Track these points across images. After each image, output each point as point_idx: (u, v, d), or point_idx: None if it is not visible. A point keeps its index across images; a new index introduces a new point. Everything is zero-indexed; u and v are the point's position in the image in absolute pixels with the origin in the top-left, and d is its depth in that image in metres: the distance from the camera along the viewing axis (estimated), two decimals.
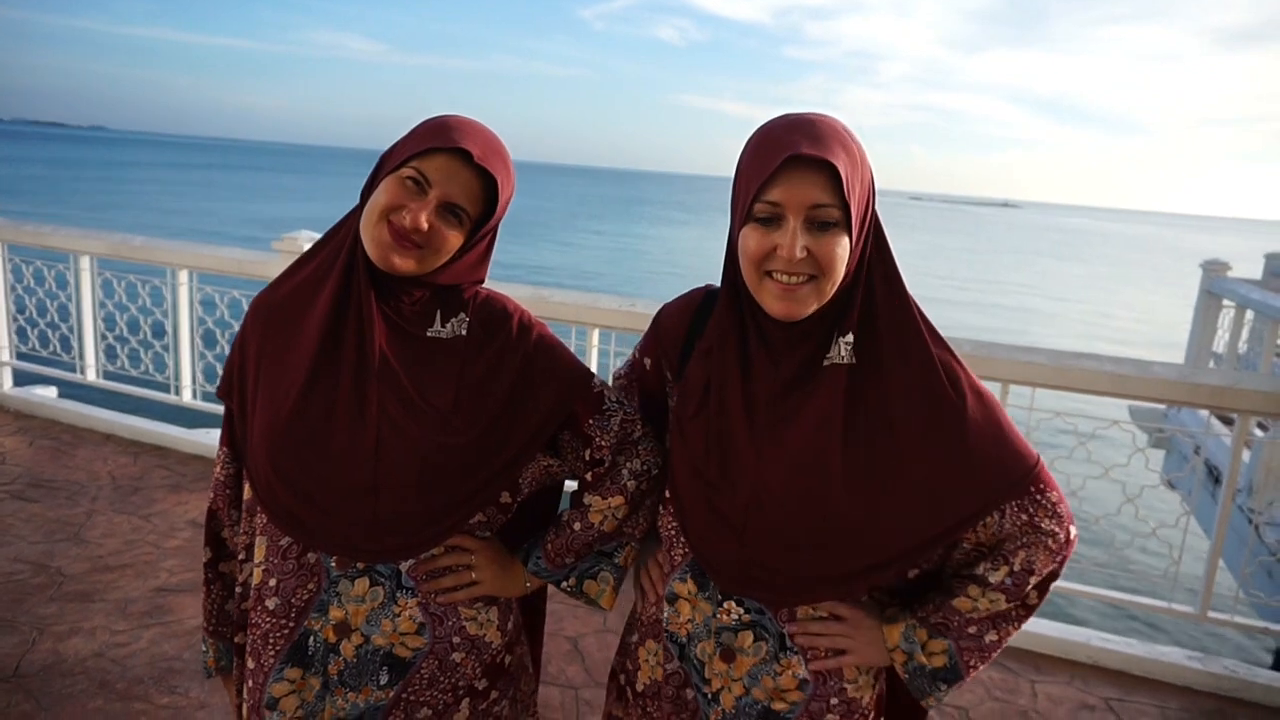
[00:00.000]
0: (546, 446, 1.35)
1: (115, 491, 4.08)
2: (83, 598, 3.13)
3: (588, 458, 1.37)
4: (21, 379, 5.32)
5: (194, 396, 4.92)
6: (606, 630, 3.19)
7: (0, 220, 5.15)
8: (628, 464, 1.37)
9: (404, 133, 1.26)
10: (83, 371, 5.13)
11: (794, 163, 1.07)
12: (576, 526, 1.39)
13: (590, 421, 1.34)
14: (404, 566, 1.26)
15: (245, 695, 1.32)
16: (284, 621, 1.24)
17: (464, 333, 1.29)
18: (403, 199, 1.19)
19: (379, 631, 1.26)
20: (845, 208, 1.08)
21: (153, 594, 3.19)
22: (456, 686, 1.31)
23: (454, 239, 1.22)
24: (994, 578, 1.19)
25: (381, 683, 1.26)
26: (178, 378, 4.89)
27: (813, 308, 1.12)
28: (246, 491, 1.32)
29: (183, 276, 4.78)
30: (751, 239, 1.11)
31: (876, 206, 1.16)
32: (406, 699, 1.28)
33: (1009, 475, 1.15)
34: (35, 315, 5.24)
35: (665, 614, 1.29)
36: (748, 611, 1.22)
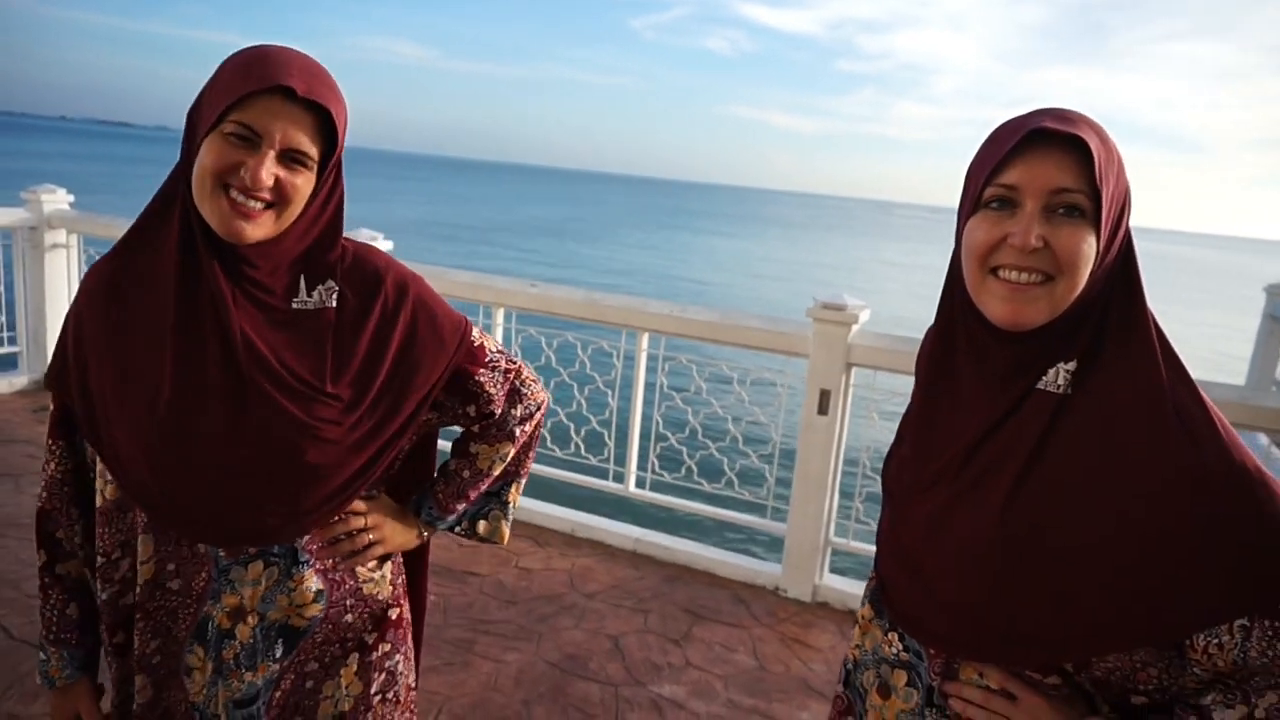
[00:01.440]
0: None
1: None
2: None
3: (473, 412, 1.36)
4: None
5: None
6: (647, 630, 3.23)
7: (75, 213, 5.36)
8: (512, 410, 1.39)
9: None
10: None
11: (1036, 142, 0.93)
12: (466, 474, 1.42)
13: (479, 375, 1.34)
14: (299, 542, 1.23)
15: (125, 686, 1.27)
16: (188, 601, 1.21)
17: (333, 303, 1.18)
18: (234, 157, 1.05)
19: (274, 607, 1.22)
20: (1095, 196, 0.91)
21: None
22: (345, 640, 1.29)
23: (305, 186, 1.10)
24: (1221, 717, 0.91)
25: (276, 655, 1.23)
26: None
27: (1043, 315, 0.94)
28: (107, 490, 1.22)
29: None
30: (979, 229, 0.96)
31: (1130, 220, 0.99)
32: (296, 660, 1.25)
33: (1251, 580, 0.87)
34: None
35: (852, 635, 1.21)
36: (906, 650, 1.09)
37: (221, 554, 1.19)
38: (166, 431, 1.12)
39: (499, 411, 1.38)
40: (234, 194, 1.06)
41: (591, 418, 4.27)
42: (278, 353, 1.14)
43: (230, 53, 1.11)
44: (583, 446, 4.27)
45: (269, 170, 1.06)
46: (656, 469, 4.13)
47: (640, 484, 4.14)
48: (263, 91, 1.04)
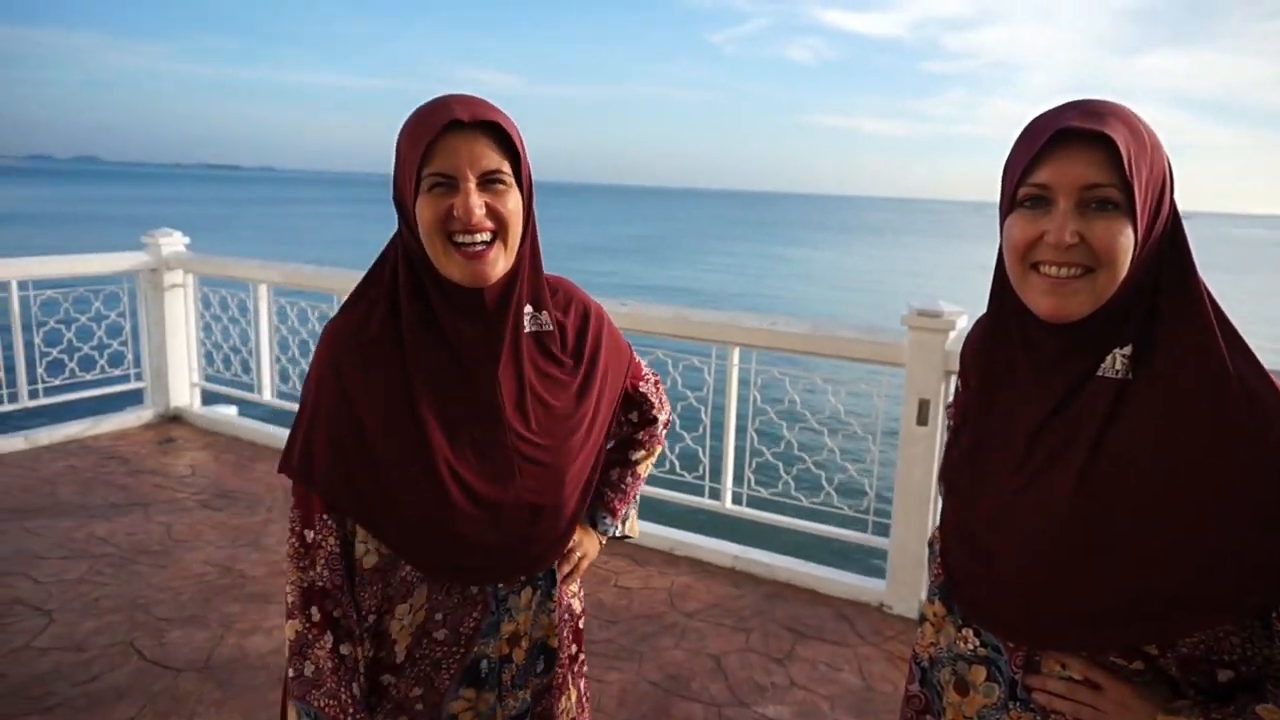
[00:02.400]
0: None
1: (288, 502, 4.40)
2: (262, 599, 3.39)
3: (636, 419, 1.52)
4: (208, 399, 5.83)
5: None
6: (749, 649, 3.18)
7: (191, 254, 5.69)
8: (661, 416, 1.56)
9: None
10: (259, 391, 5.57)
11: (1065, 139, 0.95)
12: (629, 480, 1.55)
13: (641, 386, 1.50)
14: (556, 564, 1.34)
15: None
16: (454, 649, 1.25)
17: (551, 326, 1.27)
18: (444, 205, 1.11)
19: (538, 627, 1.32)
20: (1127, 188, 0.93)
21: None
22: (568, 653, 1.39)
23: (514, 204, 1.15)
24: None
25: (538, 671, 1.33)
26: None
27: (1087, 307, 0.96)
28: (366, 559, 1.20)
29: None
30: (1016, 227, 0.99)
31: (1175, 198, 1.01)
32: (552, 675, 1.34)
33: None
34: (220, 340, 5.74)
35: (917, 634, 1.21)
36: (984, 645, 1.08)
37: (500, 586, 1.27)
38: (444, 488, 1.15)
39: (658, 416, 1.54)
40: (459, 239, 1.12)
41: (685, 434, 4.25)
42: (529, 387, 1.22)
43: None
44: (678, 464, 4.25)
45: (476, 201, 1.10)
46: (753, 485, 4.08)
47: (737, 500, 4.10)
48: (437, 137, 1.09)
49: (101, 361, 5.49)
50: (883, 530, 3.72)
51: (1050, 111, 0.99)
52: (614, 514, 1.53)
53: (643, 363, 1.54)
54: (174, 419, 5.67)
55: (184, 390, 5.72)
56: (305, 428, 1.19)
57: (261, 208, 77.97)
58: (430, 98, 1.16)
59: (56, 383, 5.30)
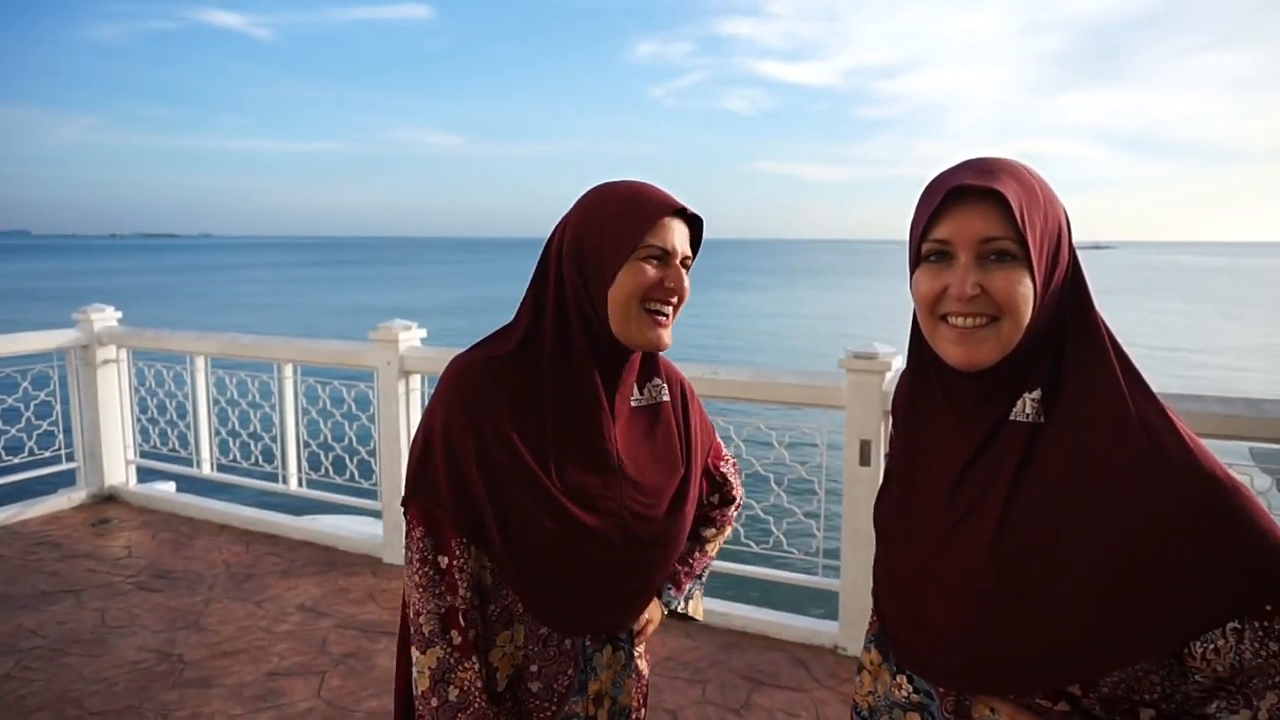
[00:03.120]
0: None
1: (230, 579, 4.28)
2: (203, 683, 3.27)
3: (716, 500, 1.57)
4: (144, 476, 5.66)
5: (300, 484, 5.14)
6: (706, 701, 3.16)
7: (124, 329, 5.56)
8: (738, 495, 1.60)
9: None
10: (199, 465, 5.43)
11: (960, 197, 0.99)
12: (696, 555, 1.57)
13: (722, 466, 1.56)
14: (636, 625, 1.39)
15: None
16: (546, 704, 1.29)
17: (665, 398, 1.39)
18: (654, 276, 1.23)
19: (623, 691, 1.38)
20: (1022, 240, 0.97)
21: (265, 678, 3.31)
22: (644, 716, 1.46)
23: (687, 288, 1.29)
24: None
25: None
26: (285, 467, 5.13)
27: (995, 354, 1.00)
28: (483, 573, 1.26)
29: (288, 370, 5.06)
30: (922, 281, 1.03)
31: (1074, 245, 1.04)
32: None
33: (1235, 582, 0.90)
34: (156, 414, 5.59)
35: (856, 682, 1.22)
36: (917, 691, 1.10)
37: (587, 641, 1.32)
38: (554, 536, 1.22)
39: (737, 498, 1.60)
40: (652, 307, 1.25)
41: None
42: (639, 451, 1.32)
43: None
44: None
45: (681, 278, 1.26)
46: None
47: None
48: (665, 214, 1.24)
49: (30, 443, 5.31)
50: (833, 572, 3.74)
51: (947, 171, 1.04)
52: (678, 587, 1.54)
53: (723, 444, 1.60)
54: (109, 499, 5.49)
55: (119, 468, 5.55)
56: (432, 457, 1.24)
57: (200, 275, 76.65)
58: (625, 182, 1.30)
59: None
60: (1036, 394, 1.01)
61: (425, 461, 1.25)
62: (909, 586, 1.09)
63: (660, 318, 1.25)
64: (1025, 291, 0.98)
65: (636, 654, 1.40)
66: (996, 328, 0.99)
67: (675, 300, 1.26)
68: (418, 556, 1.23)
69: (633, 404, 1.34)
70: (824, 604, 4.05)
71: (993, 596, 0.98)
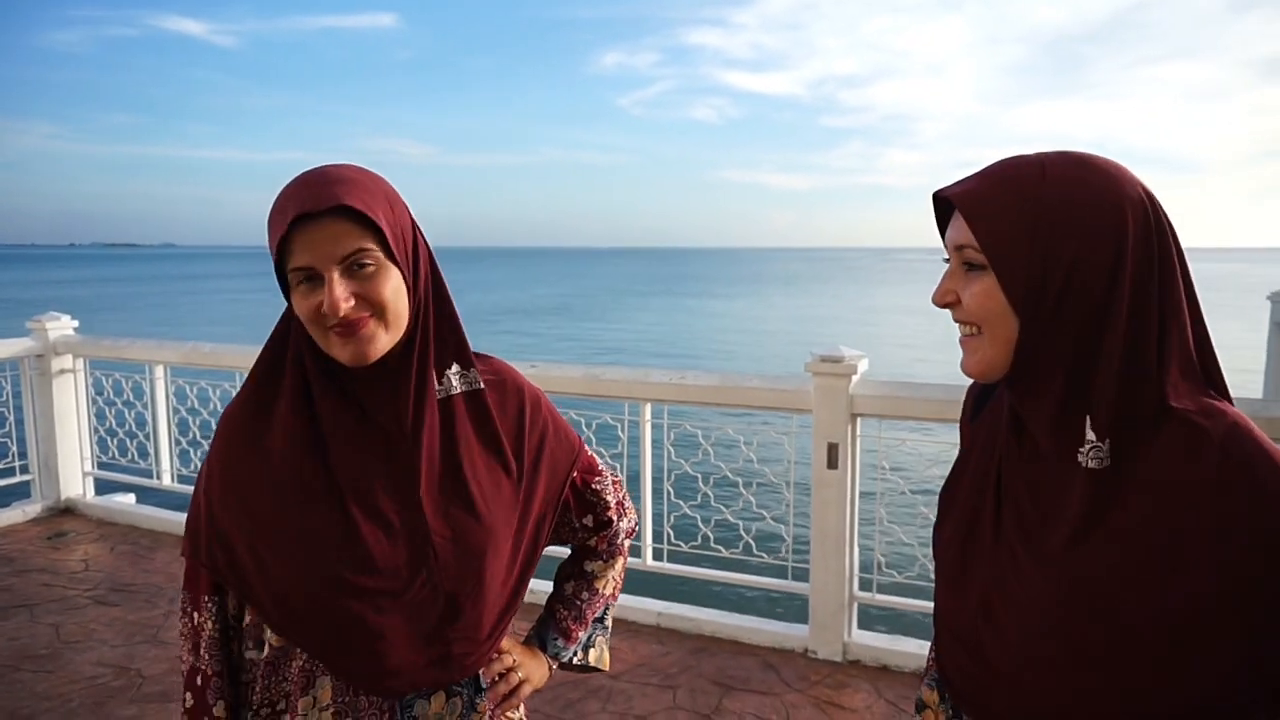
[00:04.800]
0: None
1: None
2: (162, 698, 3.19)
3: (590, 522, 1.35)
4: (102, 488, 5.54)
5: None
6: (677, 708, 3.14)
7: (81, 338, 5.44)
8: (620, 521, 1.39)
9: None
10: (159, 477, 5.32)
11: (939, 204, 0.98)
12: (585, 595, 1.39)
13: (595, 484, 1.34)
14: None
15: None
16: None
17: (480, 384, 1.19)
18: (314, 301, 1.03)
19: None
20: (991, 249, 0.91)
21: None
22: None
23: (386, 278, 1.06)
24: None
25: None
26: None
27: (995, 369, 0.94)
28: (272, 639, 1.13)
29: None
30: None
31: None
32: None
33: None
34: (115, 425, 5.48)
35: None
36: None
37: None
38: (344, 573, 1.07)
39: (614, 519, 1.37)
40: (332, 325, 1.05)
41: None
42: (455, 462, 1.14)
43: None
44: None
45: (341, 293, 1.02)
46: (673, 539, 4.07)
47: (658, 556, 4.08)
48: (291, 230, 1.01)
49: None
50: (803, 575, 3.75)
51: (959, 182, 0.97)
52: (567, 636, 1.37)
53: (599, 461, 1.37)
54: (65, 511, 5.36)
55: (76, 480, 5.42)
56: (195, 508, 1.16)
57: (161, 285, 75.44)
58: (284, 187, 1.07)
59: None
60: (1090, 436, 0.90)
61: (190, 516, 1.18)
62: (967, 625, 1.01)
63: (353, 327, 1.04)
64: (993, 306, 0.92)
65: (479, 708, 1.18)
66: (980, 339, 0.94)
67: (351, 318, 1.03)
68: (180, 609, 1.18)
69: (453, 400, 1.16)
70: (793, 607, 4.06)
71: (1053, 645, 0.91)
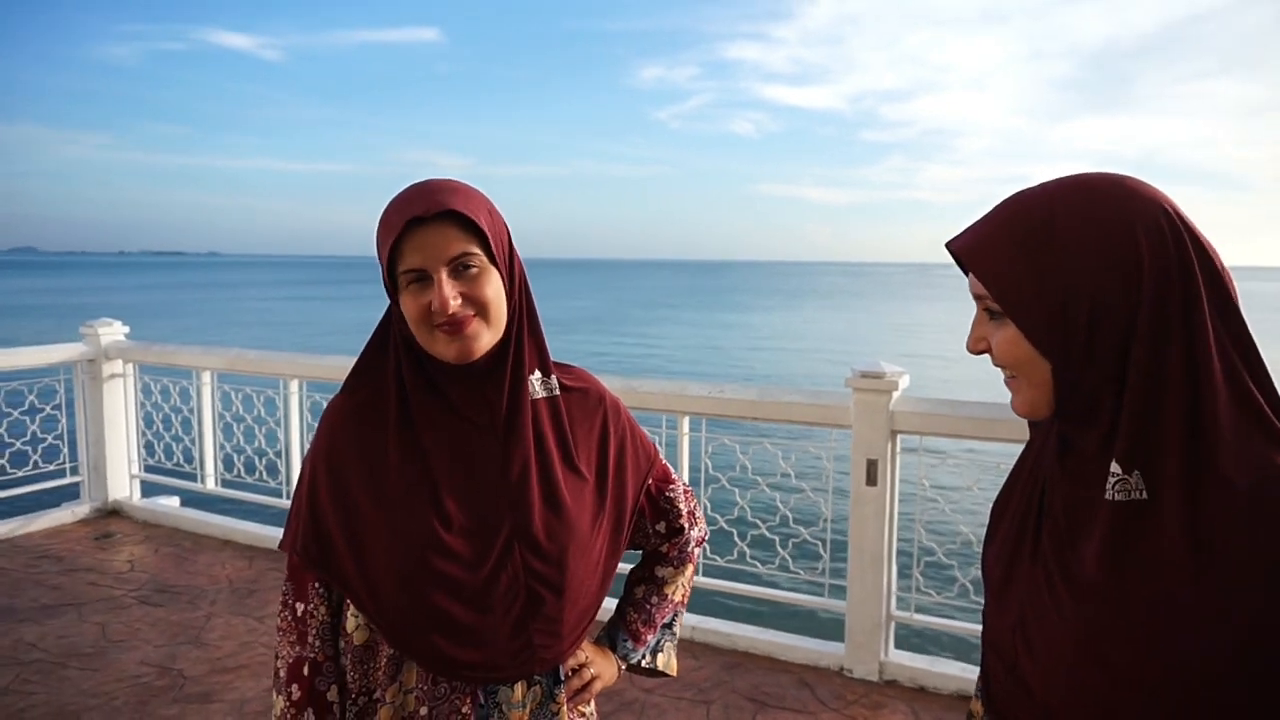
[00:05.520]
0: None
1: (233, 594, 4.26)
2: (203, 699, 3.25)
3: (663, 529, 1.40)
4: (148, 490, 5.66)
5: None
6: None
7: (131, 343, 5.58)
8: (692, 530, 1.43)
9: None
10: (203, 481, 5.42)
11: None
12: (654, 600, 1.43)
13: (669, 492, 1.39)
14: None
15: None
16: None
17: (558, 391, 1.25)
18: (423, 301, 1.11)
19: None
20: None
21: (266, 694, 3.28)
22: None
23: (489, 280, 1.13)
24: None
25: None
26: (289, 482, 5.12)
27: (1041, 408, 0.93)
28: (356, 634, 1.19)
29: (294, 386, 5.06)
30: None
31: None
32: None
33: None
34: (161, 429, 5.60)
35: None
36: None
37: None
38: (434, 568, 1.12)
39: (686, 527, 1.42)
40: (443, 327, 1.12)
41: None
42: (541, 463, 1.19)
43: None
44: None
45: (450, 292, 1.10)
46: (709, 553, 4.05)
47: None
48: (402, 234, 1.10)
49: (35, 456, 5.31)
50: (840, 593, 3.71)
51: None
52: (636, 638, 1.40)
53: (672, 470, 1.43)
54: (112, 513, 5.48)
55: (123, 482, 5.55)
56: (297, 500, 1.21)
57: (206, 292, 77.01)
58: (404, 186, 1.16)
59: None
60: (1115, 469, 0.87)
61: (293, 508, 1.23)
62: (1005, 640, 1.01)
63: (459, 326, 1.11)
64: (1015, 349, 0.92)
65: (557, 699, 1.22)
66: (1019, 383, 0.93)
67: (459, 317, 1.11)
68: (281, 601, 1.22)
69: (539, 403, 1.22)
70: (829, 624, 4.01)
71: (1084, 670, 0.89)
